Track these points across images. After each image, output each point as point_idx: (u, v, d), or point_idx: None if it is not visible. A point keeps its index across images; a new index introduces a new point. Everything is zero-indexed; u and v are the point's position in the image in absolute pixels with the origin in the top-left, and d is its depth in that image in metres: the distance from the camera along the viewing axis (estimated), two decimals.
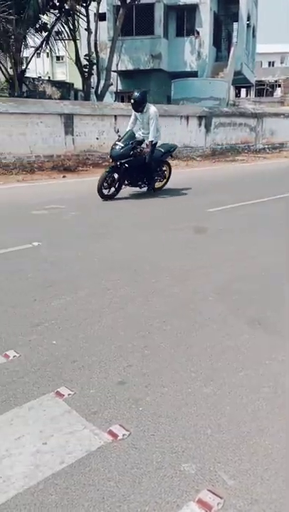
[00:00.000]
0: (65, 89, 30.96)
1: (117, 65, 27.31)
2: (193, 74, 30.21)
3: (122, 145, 10.14)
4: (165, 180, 11.88)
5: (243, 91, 53.64)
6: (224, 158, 21.72)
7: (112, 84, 25.67)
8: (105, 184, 10.15)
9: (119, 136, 10.47)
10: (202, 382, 3.26)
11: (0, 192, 11.47)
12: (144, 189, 11.20)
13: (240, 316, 4.42)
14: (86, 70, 24.37)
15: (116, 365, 3.47)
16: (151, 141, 10.55)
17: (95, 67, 25.06)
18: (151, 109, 10.61)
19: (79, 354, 3.63)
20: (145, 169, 10.77)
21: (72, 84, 32.38)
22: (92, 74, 25.08)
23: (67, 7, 22.05)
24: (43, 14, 21.92)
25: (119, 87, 30.64)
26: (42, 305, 4.60)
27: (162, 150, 11.17)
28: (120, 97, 30.47)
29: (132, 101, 10.50)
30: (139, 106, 10.52)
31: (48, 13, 22.49)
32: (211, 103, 25.57)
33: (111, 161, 10.51)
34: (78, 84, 28.32)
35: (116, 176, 10.40)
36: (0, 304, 4.61)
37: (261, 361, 3.59)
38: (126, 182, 10.68)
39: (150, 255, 6.31)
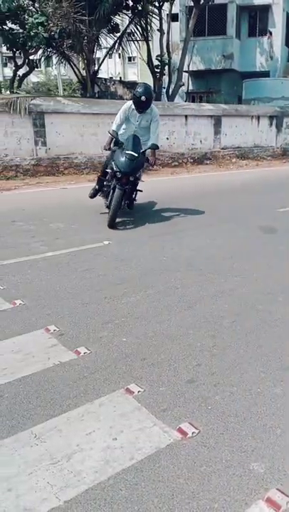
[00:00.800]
0: None
1: (188, 65, 27.22)
2: (265, 74, 29.77)
3: (135, 155, 7.87)
4: None
5: None
6: None
7: (183, 84, 25.61)
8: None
9: (121, 143, 8.06)
10: (272, 383, 3.24)
11: (71, 191, 11.69)
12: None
13: None
14: (158, 70, 24.42)
15: (185, 363, 3.48)
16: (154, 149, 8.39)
17: (166, 67, 25.10)
18: (156, 109, 8.47)
19: (148, 352, 3.67)
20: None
21: None
22: (164, 74, 25.12)
23: (140, 8, 22.16)
24: (116, 15, 22.08)
25: (190, 87, 30.54)
26: (112, 302, 4.66)
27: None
28: (191, 97, 30.38)
29: (144, 98, 8.05)
30: (148, 105, 8.23)
31: (120, 13, 22.65)
32: (282, 103, 25.09)
33: (119, 176, 7.82)
34: (149, 84, 28.44)
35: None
36: (72, 301, 4.70)
37: None
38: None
39: (220, 255, 6.28)
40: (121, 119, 8.33)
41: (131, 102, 8.29)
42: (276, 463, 2.49)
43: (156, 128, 8.44)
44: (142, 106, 8.16)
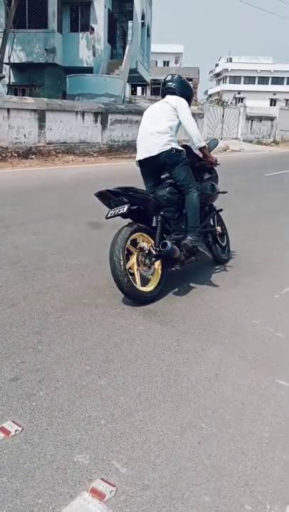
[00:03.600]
0: None
1: (9, 57, 26.64)
2: (89, 70, 29.97)
3: None
4: None
5: (139, 89, 53.95)
6: (121, 155, 21.83)
7: (4, 76, 25.03)
8: None
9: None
10: (96, 375, 3.30)
11: None
12: None
13: (136, 308, 4.50)
14: None
15: (9, 362, 3.43)
16: None
17: None
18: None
19: None
20: None
21: None
22: None
23: None
24: None
25: (13, 80, 29.86)
26: None
27: None
28: (13, 90, 29.64)
29: None
30: None
31: None
32: (106, 100, 25.57)
33: None
34: None
35: None
36: None
37: (155, 351, 3.68)
38: None
39: (47, 251, 6.27)
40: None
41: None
42: (100, 453, 2.53)
43: None
44: None
